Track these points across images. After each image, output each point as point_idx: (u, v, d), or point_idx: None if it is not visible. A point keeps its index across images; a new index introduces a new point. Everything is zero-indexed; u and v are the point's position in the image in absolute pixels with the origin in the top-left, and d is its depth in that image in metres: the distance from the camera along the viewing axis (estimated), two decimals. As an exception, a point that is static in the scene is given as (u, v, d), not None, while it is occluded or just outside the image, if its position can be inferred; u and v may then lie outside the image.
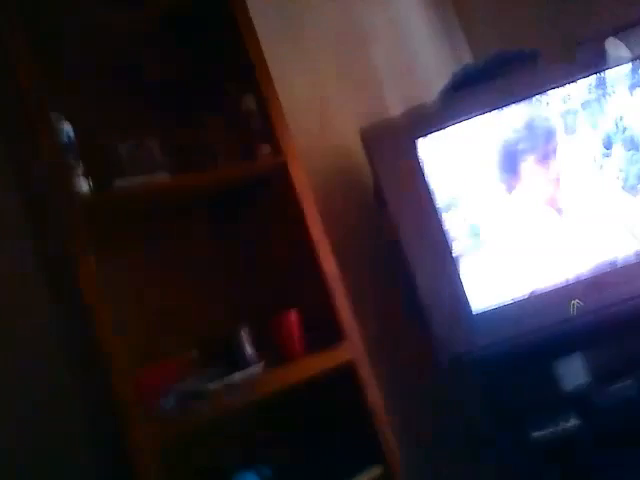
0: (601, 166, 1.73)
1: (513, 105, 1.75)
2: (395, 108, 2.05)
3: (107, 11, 1.51)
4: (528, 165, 1.75)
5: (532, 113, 1.74)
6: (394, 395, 1.77)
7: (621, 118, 1.71)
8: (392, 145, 1.79)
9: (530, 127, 1.74)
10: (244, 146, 1.62)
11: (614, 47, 1.70)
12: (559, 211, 1.75)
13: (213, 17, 1.66)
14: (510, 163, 1.76)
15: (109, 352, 1.31)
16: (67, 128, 1.41)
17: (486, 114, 1.76)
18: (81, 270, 1.32)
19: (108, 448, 1.46)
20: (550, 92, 1.73)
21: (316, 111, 1.99)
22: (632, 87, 1.71)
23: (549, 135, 1.74)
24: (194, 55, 1.72)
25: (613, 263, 1.73)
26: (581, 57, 1.76)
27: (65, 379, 1.48)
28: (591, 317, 1.70)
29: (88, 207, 1.38)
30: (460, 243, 1.77)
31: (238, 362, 1.53)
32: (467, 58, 2.35)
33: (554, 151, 1.74)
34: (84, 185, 1.40)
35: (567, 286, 1.73)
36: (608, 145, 1.72)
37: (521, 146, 1.75)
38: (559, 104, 1.72)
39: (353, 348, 1.58)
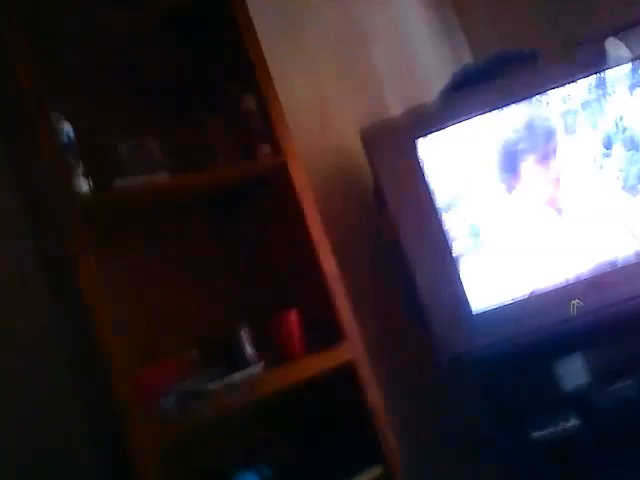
0: (601, 166, 1.73)
1: (513, 105, 1.75)
2: (395, 108, 2.05)
3: (107, 11, 1.51)
4: (528, 165, 1.75)
5: (532, 113, 1.74)
6: (394, 395, 1.77)
7: (621, 118, 1.71)
8: (392, 145, 1.79)
9: (530, 127, 1.74)
10: (244, 146, 1.62)
11: (614, 47, 1.70)
12: (559, 211, 1.76)
13: (213, 17, 1.66)
14: (510, 163, 1.76)
15: (109, 352, 1.31)
16: (67, 128, 1.41)
17: (486, 114, 1.76)
18: (81, 270, 1.32)
19: (108, 448, 1.46)
20: (550, 92, 1.74)
21: (316, 111, 1.99)
22: (632, 87, 1.71)
23: (549, 135, 1.74)
24: (194, 55, 1.72)
25: (613, 263, 1.73)
26: (581, 57, 1.76)
27: (65, 379, 1.48)
28: (591, 317, 1.70)
29: (88, 207, 1.38)
30: (460, 243, 1.77)
31: (238, 362, 1.53)
32: (467, 58, 2.35)
33: (554, 151, 1.75)
34: (84, 185, 1.40)
35: (567, 286, 1.73)
36: (608, 145, 1.72)
37: (521, 146, 1.75)
38: (559, 104, 1.73)
39: (353, 348, 1.57)
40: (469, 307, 1.75)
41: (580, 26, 2.05)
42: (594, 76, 1.71)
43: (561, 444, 1.73)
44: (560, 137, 1.74)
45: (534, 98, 1.73)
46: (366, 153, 1.83)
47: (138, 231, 1.59)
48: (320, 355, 1.54)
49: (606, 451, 1.69)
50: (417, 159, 1.77)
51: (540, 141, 1.75)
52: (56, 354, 1.48)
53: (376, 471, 1.54)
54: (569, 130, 1.73)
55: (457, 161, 1.78)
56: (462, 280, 1.75)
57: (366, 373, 1.58)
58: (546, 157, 1.74)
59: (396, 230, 1.76)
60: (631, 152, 1.71)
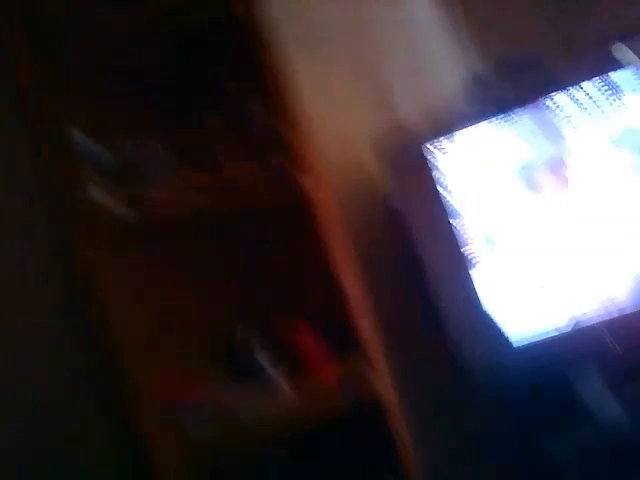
0: (613, 170, 1.69)
1: (526, 110, 1.73)
2: (409, 117, 2.04)
3: (107, 11, 1.51)
4: (543, 170, 1.73)
5: (544, 118, 1.72)
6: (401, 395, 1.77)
7: (631, 123, 1.69)
8: (406, 154, 1.76)
9: (543, 132, 1.73)
10: (249, 148, 1.61)
11: (621, 52, 1.69)
12: (576, 217, 1.72)
13: (214, 17, 1.66)
14: (525, 168, 1.73)
15: (125, 352, 1.31)
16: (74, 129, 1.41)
17: (499, 119, 1.74)
18: (90, 271, 1.32)
19: (108, 448, 1.46)
20: (561, 96, 1.72)
21: (330, 121, 1.97)
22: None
23: (562, 140, 1.72)
24: (194, 55, 1.72)
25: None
26: (589, 61, 1.75)
27: (65, 379, 1.48)
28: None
29: (90, 210, 1.38)
30: (479, 252, 1.72)
31: (247, 369, 1.53)
32: (470, 60, 2.35)
33: (567, 156, 1.72)
34: (87, 187, 1.40)
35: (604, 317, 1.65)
36: (619, 149, 1.69)
37: (536, 151, 1.73)
38: (570, 108, 1.71)
39: (373, 359, 1.56)
40: (504, 336, 1.69)
41: (580, 26, 2.05)
42: (604, 80, 1.69)
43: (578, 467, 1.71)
44: (572, 142, 1.72)
45: (545, 102, 1.72)
46: (379, 162, 1.82)
47: (138, 231, 1.60)
48: (343, 370, 1.53)
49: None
50: (433, 167, 1.75)
51: (553, 146, 1.73)
52: (56, 354, 1.48)
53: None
54: (581, 135, 1.71)
55: (473, 168, 1.75)
56: (493, 310, 1.70)
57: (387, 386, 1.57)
58: (560, 163, 1.72)
59: (414, 241, 1.73)
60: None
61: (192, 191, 1.57)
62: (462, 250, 1.73)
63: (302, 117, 1.59)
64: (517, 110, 1.73)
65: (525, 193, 1.71)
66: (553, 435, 1.75)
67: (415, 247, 1.74)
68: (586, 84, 1.69)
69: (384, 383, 1.56)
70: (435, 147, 1.77)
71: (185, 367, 1.53)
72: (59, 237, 1.46)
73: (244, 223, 1.67)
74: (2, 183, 1.50)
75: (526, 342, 1.70)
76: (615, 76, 1.67)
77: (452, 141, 1.75)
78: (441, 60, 2.29)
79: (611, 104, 1.67)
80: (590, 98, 1.71)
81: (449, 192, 1.75)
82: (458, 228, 1.74)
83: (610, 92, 1.68)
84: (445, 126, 1.78)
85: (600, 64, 1.70)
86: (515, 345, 1.70)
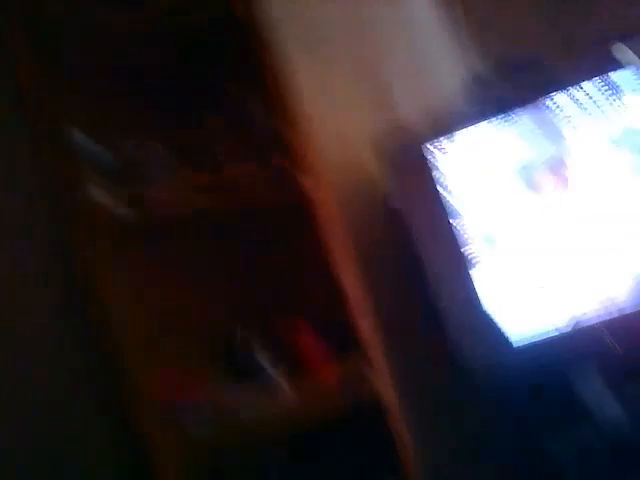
0: (613, 170, 1.69)
1: (526, 110, 1.73)
2: (409, 117, 2.04)
3: (107, 11, 1.51)
4: (543, 170, 1.73)
5: (544, 118, 1.72)
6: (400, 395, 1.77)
7: (631, 123, 1.69)
8: (406, 154, 1.76)
9: (543, 132, 1.73)
10: (249, 148, 1.61)
11: (621, 52, 1.69)
12: (576, 217, 1.72)
13: (214, 17, 1.66)
14: (525, 168, 1.73)
15: (117, 352, 1.31)
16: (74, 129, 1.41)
17: (499, 119, 1.74)
18: (90, 271, 1.32)
19: (108, 448, 1.46)
20: (561, 96, 1.72)
21: (329, 119, 1.97)
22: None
23: (562, 140, 1.72)
24: (194, 55, 1.72)
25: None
26: (589, 61, 1.75)
27: (65, 379, 1.48)
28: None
29: (90, 210, 1.38)
30: (479, 252, 1.72)
31: (247, 369, 1.53)
32: (470, 59, 2.34)
33: (567, 156, 1.72)
34: (87, 187, 1.40)
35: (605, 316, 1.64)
36: (619, 149, 1.69)
37: (536, 151, 1.73)
38: (570, 108, 1.71)
39: (373, 359, 1.55)
40: (504, 336, 1.69)
41: (580, 26, 2.05)
42: (604, 80, 1.69)
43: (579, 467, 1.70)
44: (573, 142, 1.72)
45: (545, 103, 1.72)
46: (379, 163, 1.82)
47: (138, 231, 1.60)
48: (343, 370, 1.53)
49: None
50: (433, 167, 1.75)
51: (553, 146, 1.73)
52: (56, 354, 1.48)
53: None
54: (581, 134, 1.71)
55: (473, 168, 1.75)
56: (494, 310, 1.70)
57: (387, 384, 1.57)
58: (560, 163, 1.72)
59: (414, 241, 1.73)
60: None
61: (192, 191, 1.56)
62: (462, 250, 1.73)
63: (302, 117, 1.59)
64: (517, 110, 1.73)
65: (525, 193, 1.71)
66: (553, 435, 1.75)
67: (415, 247, 1.74)
68: (586, 84, 1.69)
69: (384, 383, 1.56)
70: (435, 147, 1.77)
71: (185, 367, 1.53)
72: (59, 237, 1.46)
73: (244, 223, 1.67)
74: (2, 183, 1.50)
75: (526, 342, 1.70)
76: (615, 76, 1.67)
77: (452, 141, 1.75)
78: (441, 60, 2.29)
79: (611, 104, 1.67)
80: (590, 98, 1.70)
81: (449, 192, 1.75)
82: (458, 228, 1.74)
83: (610, 92, 1.68)
84: (445, 126, 1.78)
85: (600, 64, 1.70)
86: (515, 345, 1.70)
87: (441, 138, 1.76)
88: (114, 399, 1.45)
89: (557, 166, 1.72)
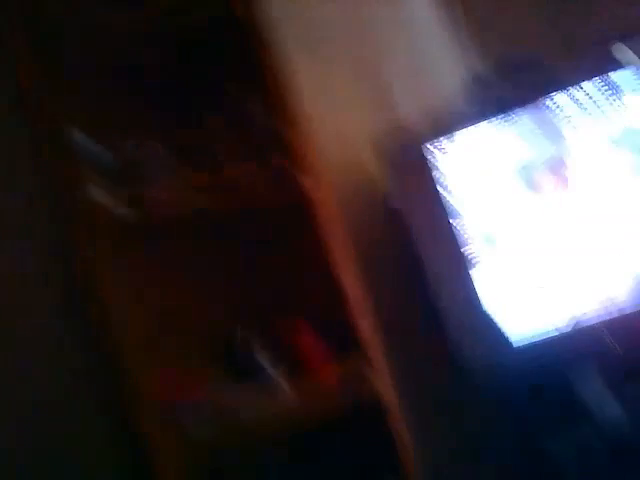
0: (613, 170, 1.69)
1: (526, 110, 1.73)
2: (409, 117, 2.03)
3: (107, 11, 1.52)
4: (543, 170, 1.73)
5: (544, 118, 1.72)
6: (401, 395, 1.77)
7: (631, 123, 1.69)
8: (406, 154, 1.76)
9: (543, 132, 1.73)
10: (249, 148, 1.61)
11: (621, 52, 1.69)
12: (576, 217, 1.72)
13: (214, 17, 1.66)
14: (525, 168, 1.73)
15: (117, 352, 1.31)
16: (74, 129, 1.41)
17: (499, 119, 1.74)
18: (90, 271, 1.32)
19: (108, 448, 1.46)
20: (561, 96, 1.72)
21: (329, 119, 1.97)
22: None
23: (562, 140, 1.72)
24: (194, 55, 1.72)
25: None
26: (589, 61, 1.75)
27: (65, 379, 1.48)
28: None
29: (90, 210, 1.38)
30: (479, 252, 1.72)
31: (247, 369, 1.53)
32: (470, 60, 2.34)
33: (567, 156, 1.72)
34: (87, 187, 1.40)
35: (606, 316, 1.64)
36: (619, 149, 1.69)
37: (536, 151, 1.73)
38: (570, 108, 1.71)
39: (374, 359, 1.55)
40: (504, 336, 1.69)
41: (580, 26, 2.05)
42: (604, 80, 1.69)
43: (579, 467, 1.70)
44: (573, 142, 1.71)
45: (545, 103, 1.72)
46: (379, 163, 1.82)
47: (138, 231, 1.60)
48: (343, 370, 1.53)
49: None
50: (433, 167, 1.75)
51: (553, 146, 1.73)
52: (56, 354, 1.48)
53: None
54: (581, 134, 1.71)
55: (474, 168, 1.74)
56: (494, 309, 1.70)
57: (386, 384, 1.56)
58: (560, 163, 1.72)
59: (414, 241, 1.72)
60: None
61: (192, 191, 1.56)
62: (462, 250, 1.73)
63: (302, 117, 1.59)
64: (517, 110, 1.73)
65: (525, 193, 1.71)
66: (553, 435, 1.75)
67: (415, 247, 1.74)
68: (586, 84, 1.69)
69: (384, 383, 1.56)
70: (435, 147, 1.77)
71: (185, 367, 1.53)
72: (59, 237, 1.46)
73: (244, 223, 1.67)
74: (2, 183, 1.50)
75: (526, 342, 1.70)
76: (615, 76, 1.67)
77: (452, 141, 1.75)
78: (441, 60, 2.29)
79: (611, 104, 1.67)
80: (590, 98, 1.70)
81: (449, 192, 1.75)
82: (458, 228, 1.74)
83: (610, 92, 1.68)
84: (445, 126, 1.78)
85: (600, 64, 1.70)
86: (515, 345, 1.70)
87: (441, 138, 1.76)
88: (114, 399, 1.45)
89: (557, 166, 1.72)
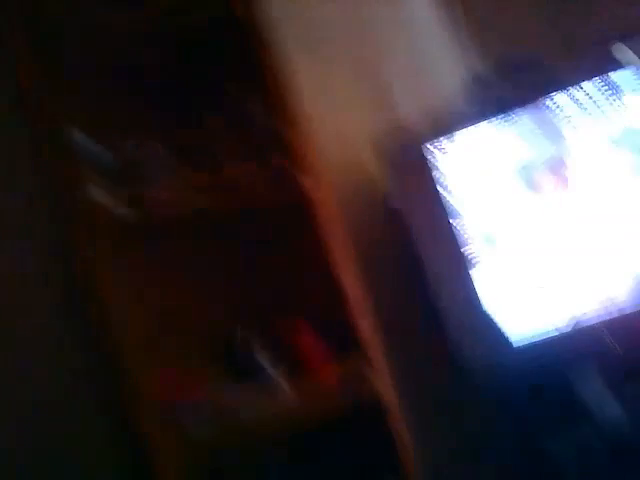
0: (613, 170, 1.69)
1: (526, 110, 1.73)
2: (409, 117, 2.03)
3: (107, 11, 1.52)
4: (543, 170, 1.73)
5: (544, 118, 1.72)
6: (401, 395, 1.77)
7: (631, 123, 1.69)
8: (406, 154, 1.76)
9: (543, 132, 1.73)
10: (249, 148, 1.61)
11: (621, 52, 1.69)
12: (576, 217, 1.72)
13: (214, 17, 1.66)
14: (525, 169, 1.73)
15: (117, 352, 1.31)
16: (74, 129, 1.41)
17: (499, 119, 1.74)
18: (90, 271, 1.32)
19: (108, 448, 1.46)
20: (561, 96, 1.72)
21: (329, 119, 1.97)
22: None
23: (562, 140, 1.72)
24: (194, 55, 1.72)
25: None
26: (589, 61, 1.75)
27: (65, 379, 1.48)
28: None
29: (90, 210, 1.38)
30: (479, 252, 1.72)
31: (247, 369, 1.53)
32: (470, 60, 2.34)
33: (567, 156, 1.72)
34: (87, 187, 1.40)
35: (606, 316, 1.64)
36: (619, 149, 1.69)
37: (536, 151, 1.73)
38: (570, 108, 1.71)
39: (374, 359, 1.55)
40: (504, 336, 1.69)
41: (580, 26, 2.05)
42: (604, 80, 1.69)
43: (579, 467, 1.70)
44: (573, 142, 1.71)
45: (545, 103, 1.72)
46: (379, 163, 1.82)
47: (138, 231, 1.60)
48: (343, 370, 1.53)
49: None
50: (433, 168, 1.75)
51: (553, 147, 1.73)
52: (56, 354, 1.48)
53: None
54: (581, 134, 1.71)
55: (474, 168, 1.74)
56: (494, 309, 1.70)
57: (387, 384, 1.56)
58: (560, 163, 1.72)
59: (414, 241, 1.72)
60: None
61: (192, 191, 1.56)
62: (462, 250, 1.73)
63: (302, 117, 1.59)
64: (517, 110, 1.73)
65: (525, 193, 1.71)
66: (553, 435, 1.75)
67: (415, 247, 1.74)
68: (586, 84, 1.69)
69: (384, 383, 1.56)
70: (435, 147, 1.77)
71: (185, 367, 1.53)
72: (59, 237, 1.46)
73: (244, 223, 1.67)
74: (2, 183, 1.50)
75: (526, 342, 1.70)
76: (615, 76, 1.67)
77: (452, 141, 1.75)
78: (441, 60, 2.29)
79: (611, 104, 1.67)
80: (590, 98, 1.70)
81: (449, 192, 1.75)
82: (458, 228, 1.74)
83: (610, 92, 1.68)
84: (445, 126, 1.78)
85: (600, 64, 1.70)
86: (515, 345, 1.70)
87: (441, 138, 1.76)
88: (114, 399, 1.45)
89: (557, 166, 1.72)
